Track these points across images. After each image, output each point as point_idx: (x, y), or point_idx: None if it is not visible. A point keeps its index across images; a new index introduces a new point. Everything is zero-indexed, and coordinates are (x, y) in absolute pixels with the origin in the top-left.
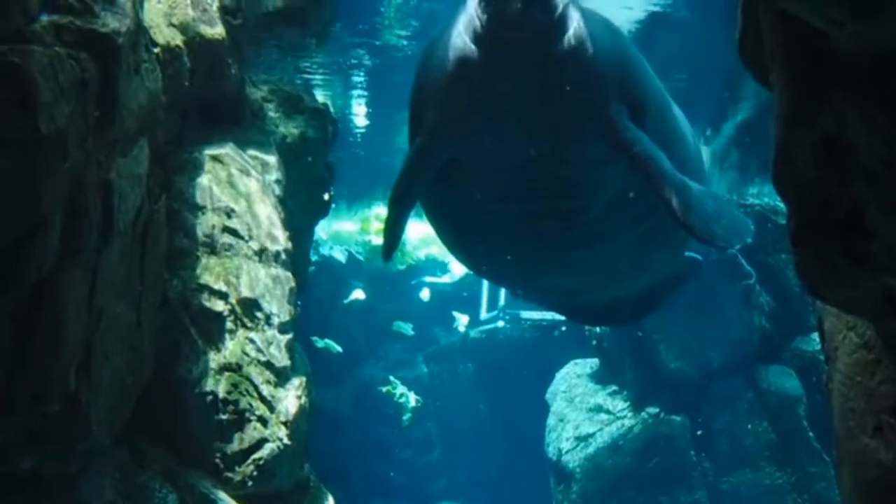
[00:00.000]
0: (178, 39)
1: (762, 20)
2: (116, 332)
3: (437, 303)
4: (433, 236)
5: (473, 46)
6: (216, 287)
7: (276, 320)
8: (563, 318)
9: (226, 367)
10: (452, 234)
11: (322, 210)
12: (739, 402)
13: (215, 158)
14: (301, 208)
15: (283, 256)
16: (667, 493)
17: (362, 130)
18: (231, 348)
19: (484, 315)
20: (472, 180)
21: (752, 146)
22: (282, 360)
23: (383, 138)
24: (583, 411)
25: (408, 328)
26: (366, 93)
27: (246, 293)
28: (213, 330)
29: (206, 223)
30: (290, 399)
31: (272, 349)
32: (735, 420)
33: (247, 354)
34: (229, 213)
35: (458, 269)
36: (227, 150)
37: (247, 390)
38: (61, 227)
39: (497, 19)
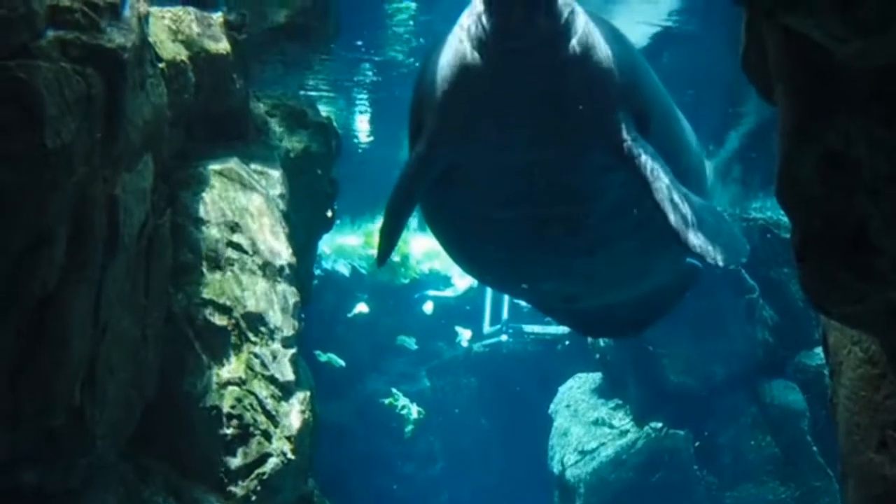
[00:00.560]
0: (182, 55)
1: (766, 36)
2: (121, 346)
3: (440, 316)
4: (437, 250)
5: (476, 54)
6: (220, 302)
7: (280, 335)
8: (565, 332)
9: (230, 382)
10: (451, 237)
11: (326, 224)
12: (743, 417)
13: (220, 173)
14: (305, 223)
15: (287, 271)
16: None
17: (366, 145)
18: (235, 363)
19: (487, 329)
20: (473, 186)
21: (755, 160)
22: (286, 374)
23: (387, 153)
24: (586, 425)
25: (411, 342)
26: (369, 108)
27: (250, 308)
28: (218, 344)
29: (211, 238)
30: (294, 414)
31: (276, 364)
32: (738, 434)
33: (251, 369)
34: (233, 228)
35: (461, 283)
36: (231, 164)
37: (251, 405)
38: (66, 242)
39: (501, 27)
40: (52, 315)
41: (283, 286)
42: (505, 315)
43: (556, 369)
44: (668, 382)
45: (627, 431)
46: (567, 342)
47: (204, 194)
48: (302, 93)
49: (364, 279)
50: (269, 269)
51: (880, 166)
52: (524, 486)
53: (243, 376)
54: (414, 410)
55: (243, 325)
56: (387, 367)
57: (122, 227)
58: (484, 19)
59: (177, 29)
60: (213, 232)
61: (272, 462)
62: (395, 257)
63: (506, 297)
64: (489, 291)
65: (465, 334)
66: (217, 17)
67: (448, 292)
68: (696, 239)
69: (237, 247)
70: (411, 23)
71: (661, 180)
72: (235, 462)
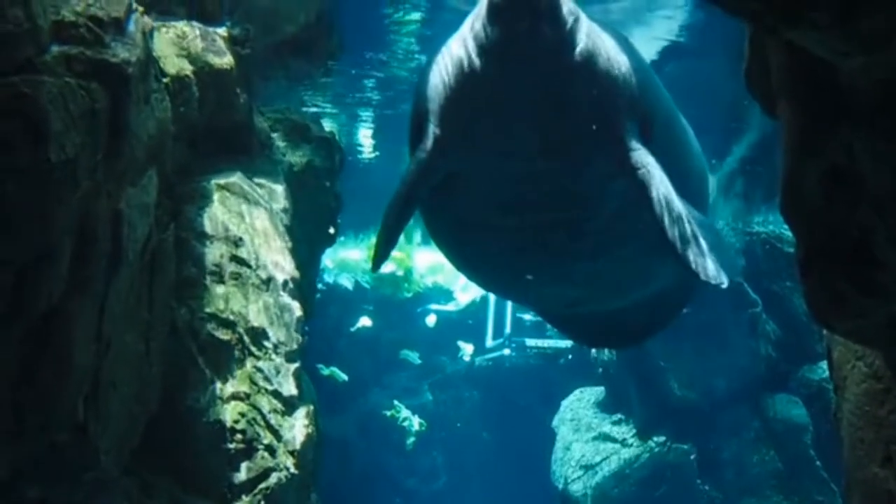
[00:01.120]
0: (187, 69)
1: (769, 51)
2: (124, 361)
3: (442, 330)
4: (440, 264)
5: (479, 61)
6: (224, 316)
7: (283, 349)
8: (568, 345)
9: (233, 396)
10: (452, 243)
11: (329, 239)
12: (746, 431)
13: (223, 187)
14: (308, 237)
15: (291, 285)
16: None
17: (369, 160)
18: (239, 377)
19: (489, 343)
20: (474, 192)
21: (758, 174)
22: (289, 388)
23: (390, 167)
24: (589, 440)
25: (415, 357)
26: (372, 124)
27: (253, 322)
28: (221, 359)
29: (214, 252)
30: (298, 428)
31: (280, 378)
32: (741, 448)
33: (254, 383)
34: (237, 243)
35: (463, 297)
36: (235, 179)
37: (254, 419)
38: (70, 257)
39: (505, 35)
40: (55, 329)
41: (286, 300)
42: (507, 329)
43: (558, 383)
44: (670, 397)
45: (630, 445)
46: (570, 356)
47: (207, 209)
48: (306, 107)
49: (367, 293)
50: (272, 284)
51: (884, 180)
52: (527, 501)
53: (247, 391)
54: (416, 422)
55: (247, 339)
56: (389, 382)
57: (125, 241)
58: (488, 27)
59: (181, 44)
60: (217, 246)
61: (275, 477)
62: (399, 271)
63: (508, 311)
64: (492, 305)
65: (466, 349)
66: (221, 31)
67: (450, 306)
68: (692, 255)
69: (241, 261)
70: (413, 39)
71: (661, 194)
72: (239, 477)
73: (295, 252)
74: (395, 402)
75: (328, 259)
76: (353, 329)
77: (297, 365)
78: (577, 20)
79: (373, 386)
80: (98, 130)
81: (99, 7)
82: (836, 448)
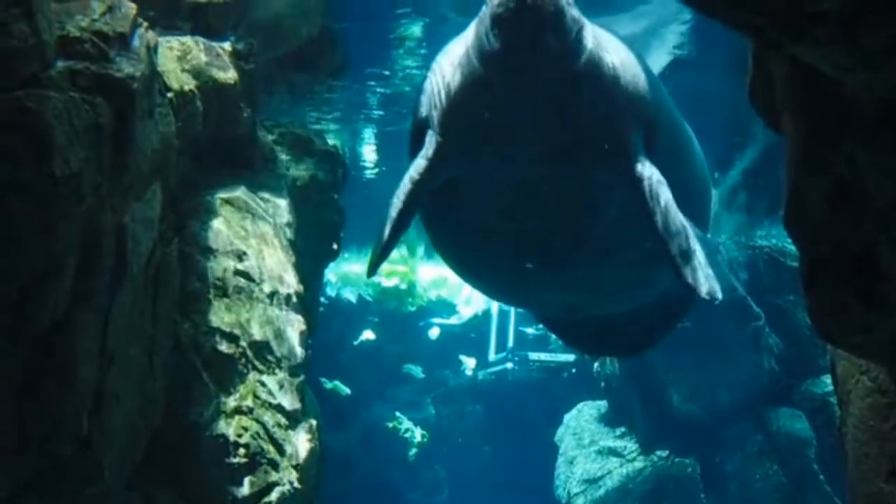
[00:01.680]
0: (191, 84)
1: (773, 66)
2: (128, 375)
3: (445, 344)
4: (443, 278)
5: (482, 69)
6: (228, 330)
7: (287, 363)
8: (571, 359)
9: (237, 411)
10: (451, 247)
11: (332, 253)
12: (749, 445)
13: (227, 202)
14: (311, 251)
15: (295, 299)
16: None
17: (372, 174)
18: (242, 391)
19: (492, 356)
20: (474, 197)
21: (760, 188)
22: (293, 403)
23: (393, 184)
24: (592, 453)
25: (418, 371)
26: (375, 139)
27: (257, 336)
28: (225, 373)
29: (218, 266)
30: (301, 442)
31: (283, 392)
32: (745, 462)
33: (258, 397)
34: (241, 257)
35: (466, 311)
36: (239, 193)
37: (258, 433)
38: (75, 271)
39: (509, 44)
40: (59, 343)
41: (290, 314)
42: (510, 343)
43: (561, 397)
44: (673, 410)
45: (633, 459)
46: (573, 370)
47: (211, 223)
48: (309, 121)
49: (370, 307)
50: (276, 298)
51: (888, 193)
52: None
53: (250, 405)
54: (418, 434)
55: (250, 353)
56: (392, 395)
57: (129, 255)
58: (491, 36)
59: (185, 58)
60: (221, 261)
61: (279, 491)
62: (403, 285)
63: (511, 325)
64: (494, 319)
65: (468, 364)
66: (225, 46)
67: (453, 320)
68: (689, 269)
69: (244, 275)
70: (414, 56)
71: (663, 208)
72: (242, 491)
73: (298, 266)
74: (397, 414)
75: (331, 273)
76: (356, 343)
77: (300, 379)
78: (581, 28)
79: (375, 399)
80: (102, 145)
81: (104, 22)
82: (839, 462)
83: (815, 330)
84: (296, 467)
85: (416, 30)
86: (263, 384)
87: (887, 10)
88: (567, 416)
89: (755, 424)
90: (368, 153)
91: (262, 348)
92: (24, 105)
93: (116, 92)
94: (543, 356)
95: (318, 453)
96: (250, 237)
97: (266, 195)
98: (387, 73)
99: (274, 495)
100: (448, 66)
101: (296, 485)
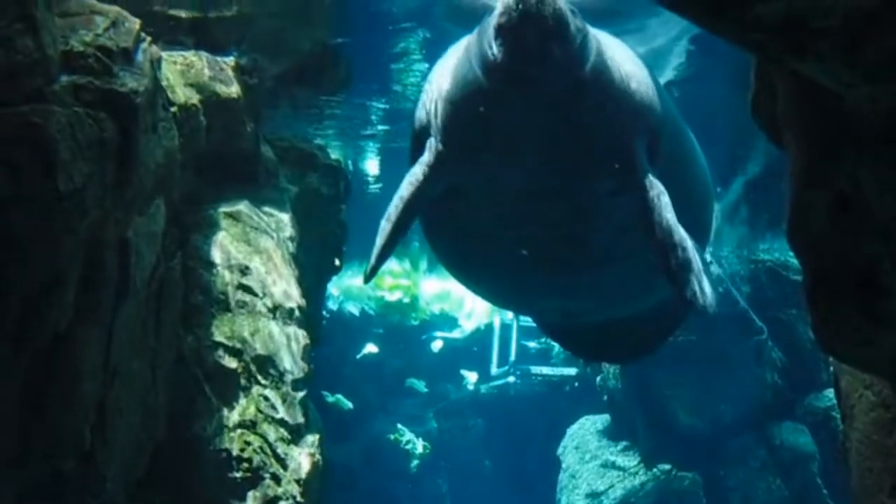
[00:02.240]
0: (194, 99)
1: (775, 81)
2: (131, 388)
3: (447, 358)
4: (446, 291)
5: (484, 78)
6: (231, 344)
7: (290, 377)
8: (573, 373)
9: (240, 425)
10: (452, 254)
11: (334, 267)
12: (752, 459)
13: (230, 216)
14: (314, 264)
15: (297, 313)
16: None
17: (375, 189)
18: (245, 405)
19: (494, 370)
20: (476, 205)
21: (763, 202)
22: (296, 417)
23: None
24: (594, 467)
25: (421, 385)
26: (377, 155)
27: (260, 350)
28: (228, 387)
29: (221, 280)
30: (304, 457)
31: (286, 406)
32: (748, 477)
33: (261, 412)
34: (244, 271)
35: (468, 325)
36: (241, 207)
37: (261, 448)
38: (78, 285)
39: (513, 53)
40: (62, 357)
41: (292, 329)
42: (512, 356)
43: (564, 411)
44: (676, 424)
45: (636, 473)
46: (575, 384)
47: (214, 237)
48: (312, 136)
49: (373, 320)
50: (279, 312)
51: (890, 208)
52: None
53: (253, 419)
54: (419, 445)
55: (253, 367)
56: (394, 409)
57: (133, 270)
58: (494, 45)
59: (189, 73)
60: (224, 275)
61: None
62: (405, 299)
63: (513, 339)
64: (497, 333)
65: (470, 378)
66: (229, 61)
67: (456, 333)
68: (686, 283)
69: (247, 289)
70: (419, 70)
71: (663, 222)
72: None
73: (301, 280)
74: (399, 427)
75: (334, 287)
76: (358, 356)
77: (303, 393)
78: (585, 37)
79: (378, 413)
80: (106, 159)
81: (107, 37)
82: (843, 477)
83: (817, 344)
84: (298, 482)
85: (418, 44)
86: (266, 398)
87: (889, 24)
88: (569, 430)
89: (758, 438)
90: (371, 168)
91: (264, 362)
92: (29, 119)
93: (120, 106)
94: (546, 370)
95: (321, 467)
96: (253, 251)
97: (269, 209)
98: (389, 87)
99: None
100: (448, 75)
101: (298, 499)
